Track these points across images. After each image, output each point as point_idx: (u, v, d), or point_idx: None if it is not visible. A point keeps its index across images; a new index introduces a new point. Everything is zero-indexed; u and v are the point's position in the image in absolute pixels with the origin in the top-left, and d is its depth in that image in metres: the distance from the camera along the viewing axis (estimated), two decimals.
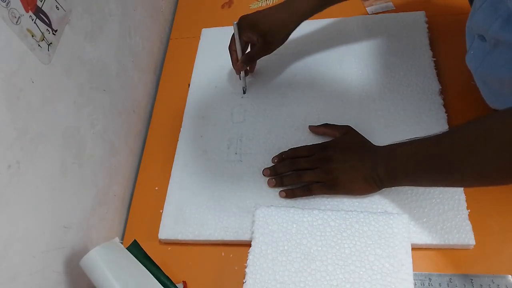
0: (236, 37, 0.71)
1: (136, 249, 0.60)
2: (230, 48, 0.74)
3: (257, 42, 0.71)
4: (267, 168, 0.69)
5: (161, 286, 0.57)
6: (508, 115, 0.45)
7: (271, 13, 0.70)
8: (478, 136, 0.47)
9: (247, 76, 0.79)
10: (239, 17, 0.72)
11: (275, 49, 0.73)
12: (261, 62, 0.82)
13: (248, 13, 0.72)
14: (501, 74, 0.55)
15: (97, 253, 0.55)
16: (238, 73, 0.76)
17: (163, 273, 0.59)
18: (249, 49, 0.75)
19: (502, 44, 0.53)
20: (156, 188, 0.73)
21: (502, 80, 0.56)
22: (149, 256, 0.60)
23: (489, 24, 0.53)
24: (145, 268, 0.58)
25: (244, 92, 0.79)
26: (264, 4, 0.91)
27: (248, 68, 0.77)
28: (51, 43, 0.55)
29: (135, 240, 0.61)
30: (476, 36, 0.58)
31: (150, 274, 0.58)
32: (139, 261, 0.59)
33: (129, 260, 0.58)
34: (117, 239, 0.60)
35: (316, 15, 0.82)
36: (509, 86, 0.55)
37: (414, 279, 0.55)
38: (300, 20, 0.71)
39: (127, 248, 0.60)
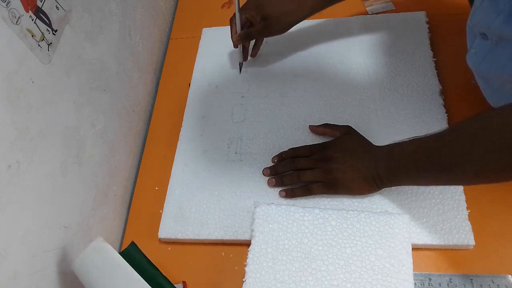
0: (237, 10, 0.71)
1: (134, 251, 0.60)
2: (231, 20, 0.75)
3: (259, 23, 0.72)
4: (267, 167, 0.69)
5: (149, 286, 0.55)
6: (507, 110, 0.45)
7: (280, 0, 0.71)
8: (478, 131, 0.47)
9: (250, 59, 0.80)
10: None
11: (274, 35, 0.74)
12: (262, 62, 0.82)
13: None
14: (503, 71, 0.55)
15: (79, 265, 0.53)
16: (236, 46, 0.76)
17: (162, 275, 0.59)
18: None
19: (504, 41, 0.53)
20: (156, 188, 0.73)
21: (504, 78, 0.56)
22: (147, 258, 0.60)
23: (491, 20, 0.53)
24: (132, 269, 0.55)
25: (240, 71, 0.80)
26: None
27: (252, 49, 0.79)
28: (51, 43, 0.55)
29: (133, 242, 0.61)
30: (478, 34, 0.58)
31: (137, 275, 0.55)
32: (137, 263, 0.59)
33: (113, 263, 0.55)
34: (99, 239, 0.56)
35: (316, 15, 0.82)
36: (511, 83, 0.55)
37: (414, 279, 0.55)
38: (306, 14, 0.72)
39: (125, 250, 0.60)
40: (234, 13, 0.73)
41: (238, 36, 0.73)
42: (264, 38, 0.81)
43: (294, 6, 0.70)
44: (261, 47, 0.80)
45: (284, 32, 0.73)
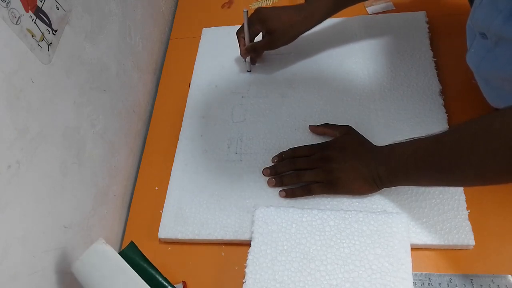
0: (245, 25, 0.73)
1: (133, 251, 0.60)
2: (238, 33, 0.77)
3: (264, 37, 0.74)
4: (267, 167, 0.69)
5: None
6: (508, 113, 0.45)
7: (285, 12, 0.72)
8: (478, 134, 0.47)
9: (256, 65, 0.82)
10: (256, 8, 0.74)
11: (280, 47, 0.75)
12: (262, 62, 0.82)
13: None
14: (503, 71, 0.55)
15: (79, 267, 0.53)
16: (244, 58, 0.79)
17: (161, 274, 0.59)
18: (259, 37, 0.77)
19: (504, 40, 0.53)
20: (156, 188, 0.73)
21: (503, 77, 0.56)
22: (146, 258, 0.59)
23: (491, 20, 0.53)
24: (134, 273, 0.55)
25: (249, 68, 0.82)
26: (264, 4, 0.91)
27: (254, 56, 0.80)
28: (51, 43, 0.55)
29: (132, 242, 0.60)
30: (478, 34, 0.58)
31: (139, 278, 0.54)
32: (137, 263, 0.58)
33: (115, 266, 0.55)
34: (101, 241, 0.55)
35: None
36: (511, 83, 0.55)
37: (414, 279, 0.55)
38: (311, 25, 0.72)
39: (124, 250, 0.59)
40: (242, 26, 0.74)
41: (245, 49, 0.76)
42: None
43: (300, 17, 0.71)
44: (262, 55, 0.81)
45: (289, 43, 0.74)
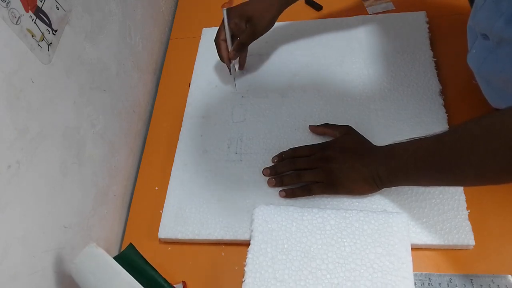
0: (226, 23, 0.72)
1: (132, 253, 0.60)
2: (217, 39, 0.75)
3: (245, 28, 0.72)
4: (267, 167, 0.69)
5: None
6: (508, 113, 0.45)
7: (255, 1, 0.72)
8: (478, 134, 0.47)
9: (238, 71, 0.79)
10: (227, 9, 0.73)
11: (263, 34, 0.74)
12: (262, 62, 0.82)
13: None
14: (504, 72, 0.55)
15: (75, 270, 0.53)
16: (228, 63, 0.76)
17: (161, 276, 0.59)
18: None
19: (506, 42, 0.53)
20: (156, 188, 0.73)
21: (505, 79, 0.56)
22: (145, 260, 0.60)
23: (493, 22, 0.53)
24: (127, 273, 0.54)
25: (235, 86, 0.79)
26: None
27: (239, 61, 0.77)
28: (51, 43, 0.55)
29: (130, 243, 0.60)
30: (479, 35, 0.58)
31: (132, 279, 0.54)
32: (136, 265, 0.58)
33: (108, 268, 0.54)
34: (92, 245, 0.55)
35: (316, 15, 0.82)
36: None
37: (414, 279, 0.55)
38: (284, 4, 0.72)
39: (122, 252, 0.59)
40: (217, 33, 0.73)
41: (233, 50, 0.73)
42: (265, 40, 0.81)
43: (269, 0, 0.71)
44: (246, 58, 0.79)
45: (271, 26, 0.73)
